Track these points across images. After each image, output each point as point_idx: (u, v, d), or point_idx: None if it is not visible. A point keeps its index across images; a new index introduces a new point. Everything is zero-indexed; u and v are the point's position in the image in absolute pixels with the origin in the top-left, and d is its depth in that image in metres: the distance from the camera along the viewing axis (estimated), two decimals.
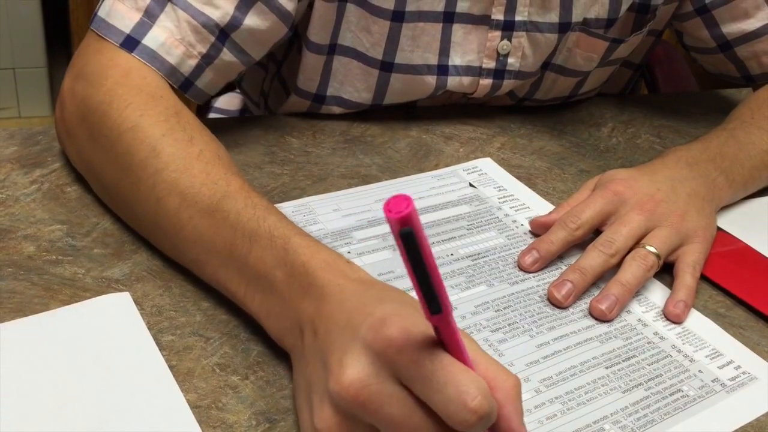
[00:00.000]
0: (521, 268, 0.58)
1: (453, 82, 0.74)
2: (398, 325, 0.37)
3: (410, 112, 0.79)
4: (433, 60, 0.73)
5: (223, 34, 0.62)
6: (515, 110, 0.82)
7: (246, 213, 0.49)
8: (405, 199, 0.31)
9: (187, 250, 0.52)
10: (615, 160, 0.77)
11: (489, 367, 0.38)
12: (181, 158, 0.53)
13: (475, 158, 0.72)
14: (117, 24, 0.59)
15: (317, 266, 0.44)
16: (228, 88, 1.02)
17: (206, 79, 0.63)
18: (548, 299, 0.55)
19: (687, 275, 0.57)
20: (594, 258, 0.56)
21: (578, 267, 0.56)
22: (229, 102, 1.04)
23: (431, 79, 0.74)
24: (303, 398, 0.41)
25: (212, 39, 0.61)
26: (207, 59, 0.62)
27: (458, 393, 0.35)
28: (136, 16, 0.59)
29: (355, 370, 0.37)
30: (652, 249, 0.57)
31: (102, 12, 0.61)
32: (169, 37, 0.60)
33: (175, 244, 0.52)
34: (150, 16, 0.59)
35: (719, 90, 0.95)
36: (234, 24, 0.62)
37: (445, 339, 0.36)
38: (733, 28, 0.78)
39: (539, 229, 0.62)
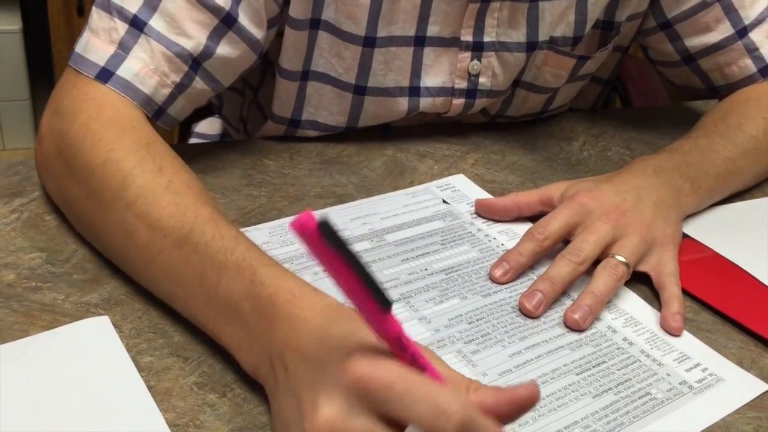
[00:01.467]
0: (493, 280, 0.59)
1: (426, 103, 0.76)
2: (365, 355, 0.38)
3: (385, 132, 0.80)
4: (405, 82, 0.75)
5: (196, 63, 0.63)
6: (489, 127, 0.84)
7: (214, 244, 0.50)
8: (305, 213, 0.32)
9: (158, 282, 0.53)
10: (586, 172, 0.78)
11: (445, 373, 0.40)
12: (150, 190, 0.53)
13: (449, 175, 0.74)
14: (92, 57, 0.61)
15: (283, 299, 0.45)
16: (208, 113, 1.03)
17: (178, 106, 0.64)
18: (520, 310, 0.56)
19: (673, 286, 0.59)
20: (563, 267, 0.58)
21: (548, 277, 0.57)
22: (209, 127, 1.05)
23: (404, 101, 0.75)
24: None
25: (185, 68, 0.63)
26: (180, 88, 0.63)
27: (434, 409, 0.36)
28: (110, 49, 0.61)
29: (327, 410, 0.38)
30: (622, 258, 0.59)
31: (79, 48, 0.62)
32: (143, 67, 0.61)
33: (145, 278, 0.54)
34: (124, 48, 0.61)
35: (688, 102, 0.97)
36: (207, 53, 0.63)
37: (402, 347, 0.37)
38: (695, 42, 0.80)
39: (482, 209, 0.67)
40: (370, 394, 0.37)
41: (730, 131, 0.73)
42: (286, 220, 0.64)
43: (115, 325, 0.52)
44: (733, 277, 0.63)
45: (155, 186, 0.54)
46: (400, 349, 0.38)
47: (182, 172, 0.56)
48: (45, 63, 1.97)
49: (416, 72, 0.74)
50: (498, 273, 0.59)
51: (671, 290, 0.58)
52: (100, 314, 0.52)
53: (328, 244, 0.33)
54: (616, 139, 0.86)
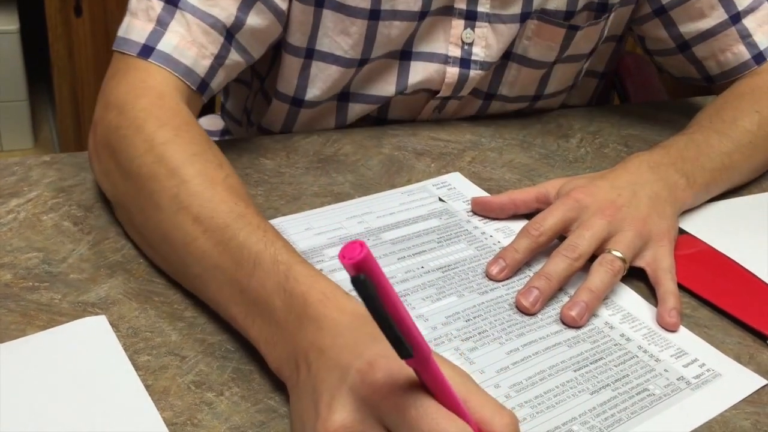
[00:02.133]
0: (489, 278, 0.59)
1: (417, 69, 0.76)
2: (384, 370, 0.38)
3: (382, 130, 0.80)
4: (398, 48, 0.76)
5: (230, 34, 0.66)
6: (485, 124, 0.84)
7: (255, 235, 0.50)
8: (359, 245, 0.31)
9: (192, 264, 0.52)
10: (583, 169, 0.78)
11: (485, 405, 0.39)
12: (208, 177, 0.54)
13: (446, 173, 0.74)
14: (134, 37, 0.63)
15: (315, 298, 0.45)
16: (209, 110, 1.04)
17: (219, 79, 0.67)
18: (516, 307, 0.56)
19: (669, 282, 0.59)
20: (558, 263, 0.58)
21: (544, 273, 0.57)
22: (210, 123, 1.05)
23: (395, 66, 0.76)
24: None
25: (221, 39, 0.65)
26: (219, 60, 0.66)
27: None
28: (149, 26, 0.63)
29: (340, 416, 0.38)
30: (618, 254, 0.59)
31: (121, 32, 0.65)
32: (180, 40, 0.63)
33: (182, 257, 0.53)
34: (162, 24, 0.63)
35: (685, 99, 0.98)
36: (238, 24, 0.66)
37: (426, 381, 0.37)
38: (690, 28, 0.81)
39: (478, 207, 0.67)
40: (381, 410, 0.37)
41: (725, 126, 0.73)
42: (284, 219, 0.64)
43: (112, 325, 0.52)
44: (730, 272, 0.63)
45: (214, 175, 0.55)
46: (434, 389, 0.37)
47: (236, 174, 0.57)
48: (42, 64, 1.97)
49: (410, 41, 0.76)
50: (494, 270, 0.59)
51: (667, 286, 0.58)
52: (97, 314, 0.52)
53: (362, 299, 0.32)
54: (613, 135, 0.86)
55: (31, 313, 0.52)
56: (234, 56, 0.67)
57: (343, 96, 0.78)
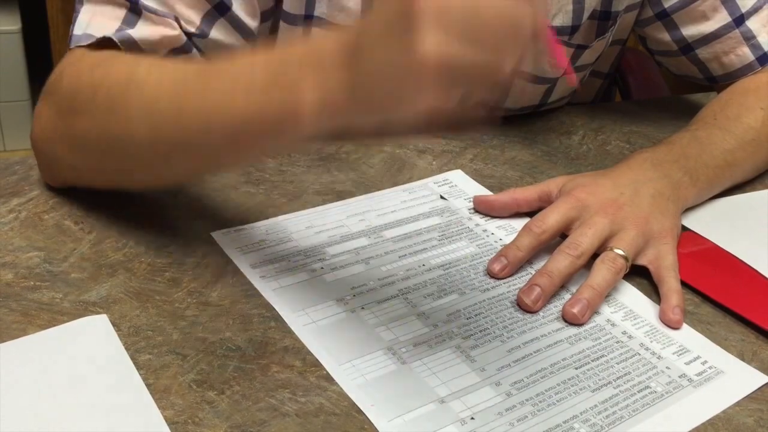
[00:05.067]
0: (491, 275, 0.59)
1: None
2: None
3: None
4: None
5: (191, 39, 0.62)
6: None
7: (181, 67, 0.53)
8: None
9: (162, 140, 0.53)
10: (585, 167, 0.78)
11: None
12: (156, 65, 0.55)
13: (448, 170, 0.74)
14: (97, 33, 0.60)
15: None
16: None
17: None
18: (518, 304, 0.56)
19: (672, 279, 0.58)
20: (561, 261, 0.57)
21: (546, 271, 0.57)
22: None
23: None
24: (384, 35, 0.41)
25: (184, 38, 0.62)
26: (178, 52, 0.62)
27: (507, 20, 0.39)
28: (116, 24, 0.60)
29: (428, 38, 0.39)
30: (620, 252, 0.59)
31: (78, 29, 0.61)
32: (151, 33, 0.60)
33: (155, 133, 0.53)
34: (129, 24, 0.60)
35: (687, 95, 0.97)
36: (200, 35, 0.62)
37: None
38: (692, 31, 0.80)
39: (480, 206, 0.67)
40: (450, 23, 0.39)
41: (729, 123, 0.73)
42: (285, 217, 0.64)
43: (114, 324, 0.52)
44: (733, 269, 0.63)
45: (160, 62, 0.55)
46: None
47: (151, 61, 0.57)
48: (44, 64, 1.97)
49: None
50: (496, 268, 0.59)
51: (670, 283, 0.58)
52: (98, 313, 0.52)
53: None
54: (615, 132, 0.85)
55: (33, 313, 0.52)
56: (195, 56, 0.64)
57: None
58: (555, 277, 0.57)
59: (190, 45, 0.63)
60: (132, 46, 0.60)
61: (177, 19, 0.61)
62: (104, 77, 0.56)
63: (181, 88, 0.52)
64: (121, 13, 0.61)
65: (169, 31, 0.61)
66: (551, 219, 0.60)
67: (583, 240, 0.58)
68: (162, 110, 0.52)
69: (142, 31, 0.60)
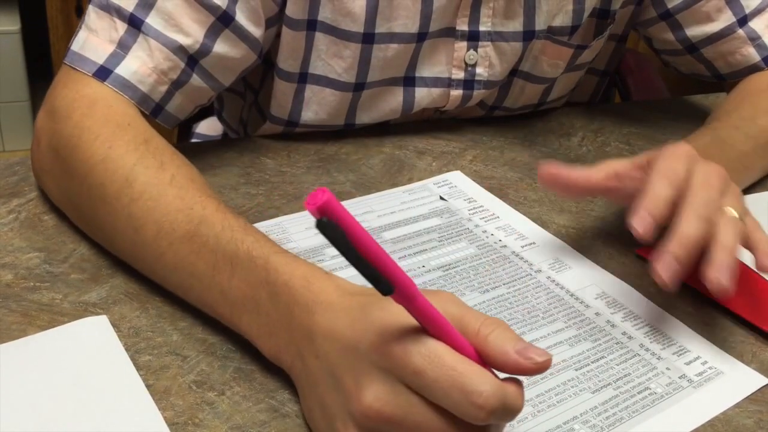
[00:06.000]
0: (636, 237, 0.51)
1: (423, 95, 0.76)
2: (394, 337, 0.39)
3: (383, 129, 0.80)
4: (401, 75, 0.75)
5: (192, 60, 0.63)
6: (487, 123, 0.84)
7: (224, 236, 0.50)
8: (321, 191, 0.32)
9: (169, 276, 0.53)
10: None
11: (477, 318, 0.41)
12: (154, 186, 0.54)
13: (447, 171, 0.74)
14: (90, 56, 0.61)
15: (299, 284, 0.46)
16: (209, 113, 1.03)
17: (175, 103, 0.64)
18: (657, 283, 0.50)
19: (758, 231, 0.55)
20: (729, 230, 0.52)
21: (678, 235, 0.50)
22: (210, 127, 1.05)
23: (401, 93, 0.75)
24: (323, 425, 0.43)
25: (182, 65, 0.63)
26: (176, 84, 0.63)
27: (465, 395, 0.37)
28: (109, 48, 0.61)
29: (372, 390, 0.39)
30: (735, 214, 0.54)
31: (75, 46, 0.62)
32: (141, 65, 0.61)
33: (155, 271, 0.54)
34: (123, 48, 0.61)
35: (687, 97, 0.97)
36: (204, 51, 0.63)
37: (417, 316, 0.38)
38: (697, 31, 0.80)
39: (549, 182, 0.59)
40: (404, 378, 0.39)
41: (744, 123, 0.72)
42: (282, 219, 0.64)
43: (114, 325, 0.52)
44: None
45: (159, 182, 0.54)
46: (426, 322, 0.38)
47: (184, 166, 0.56)
48: (44, 64, 1.97)
49: (413, 65, 0.74)
50: (641, 228, 0.51)
51: (758, 234, 0.54)
52: (98, 313, 0.52)
53: (330, 241, 0.33)
54: (615, 134, 0.85)
55: (32, 314, 0.52)
56: (196, 82, 0.64)
57: (349, 124, 0.78)
58: (732, 249, 0.51)
59: (188, 74, 0.63)
60: (122, 87, 0.60)
61: (178, 49, 0.62)
62: (105, 174, 0.55)
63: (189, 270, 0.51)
64: (116, 35, 0.61)
65: (162, 63, 0.61)
66: (680, 168, 0.54)
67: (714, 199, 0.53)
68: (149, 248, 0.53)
69: (131, 64, 0.60)
